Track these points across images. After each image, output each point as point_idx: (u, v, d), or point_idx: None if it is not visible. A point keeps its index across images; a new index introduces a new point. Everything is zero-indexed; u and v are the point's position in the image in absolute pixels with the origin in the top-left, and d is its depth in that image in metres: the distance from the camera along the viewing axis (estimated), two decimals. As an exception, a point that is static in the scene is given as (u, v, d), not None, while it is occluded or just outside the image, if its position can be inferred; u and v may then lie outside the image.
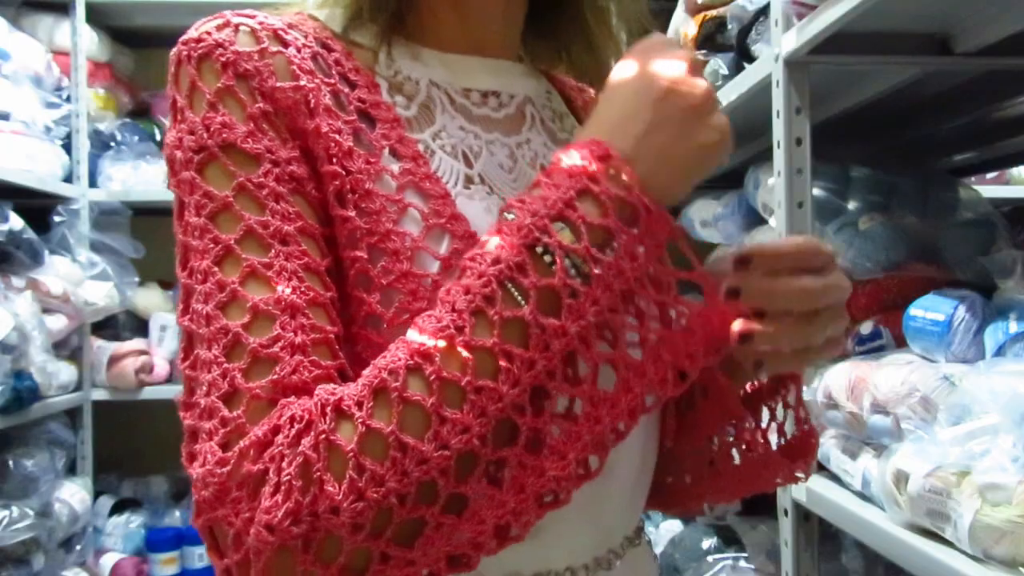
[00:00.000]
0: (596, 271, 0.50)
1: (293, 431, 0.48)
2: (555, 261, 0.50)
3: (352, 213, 0.56)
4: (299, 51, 0.59)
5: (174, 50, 0.59)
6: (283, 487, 0.46)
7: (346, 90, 0.60)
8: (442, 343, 0.48)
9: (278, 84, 0.57)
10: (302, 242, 0.54)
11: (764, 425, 0.69)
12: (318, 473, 0.46)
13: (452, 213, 0.59)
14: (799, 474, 0.69)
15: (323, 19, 0.64)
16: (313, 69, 0.59)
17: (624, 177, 0.52)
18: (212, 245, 0.53)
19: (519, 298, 0.49)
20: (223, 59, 0.56)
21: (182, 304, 0.55)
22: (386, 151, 0.59)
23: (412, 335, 0.50)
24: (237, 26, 0.58)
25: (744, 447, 0.69)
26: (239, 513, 0.47)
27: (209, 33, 0.58)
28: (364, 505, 0.46)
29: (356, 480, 0.46)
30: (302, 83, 0.58)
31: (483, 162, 0.65)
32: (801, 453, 0.68)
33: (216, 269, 0.53)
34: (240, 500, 0.48)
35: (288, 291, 0.52)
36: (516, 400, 0.48)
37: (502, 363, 0.48)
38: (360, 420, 0.47)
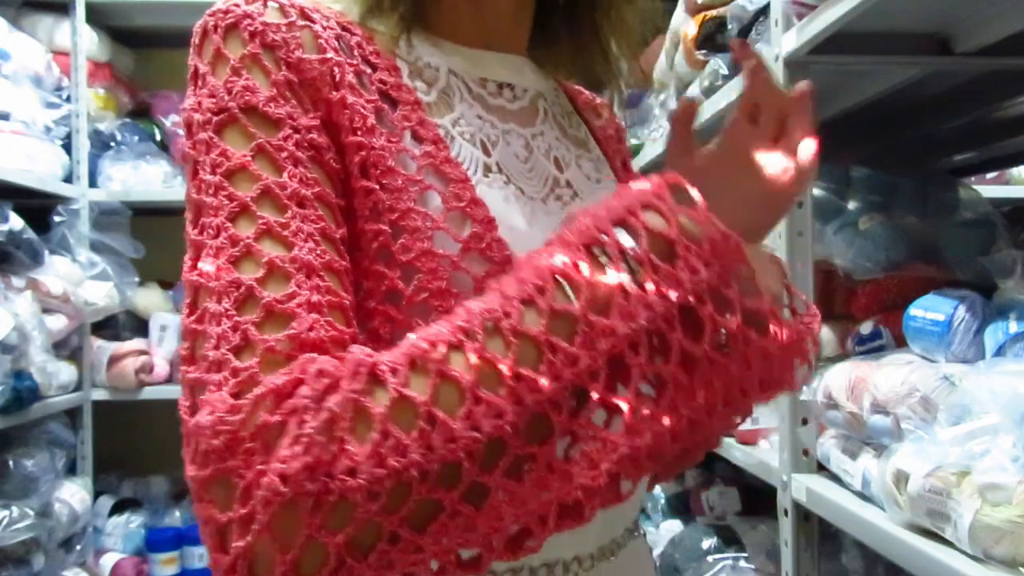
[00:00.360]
0: (652, 276, 0.49)
1: (320, 386, 0.46)
2: (611, 261, 0.49)
3: (376, 186, 0.56)
4: (324, 29, 0.60)
5: (200, 21, 0.58)
6: (303, 440, 0.44)
7: (368, 71, 0.60)
8: (489, 324, 0.48)
9: (304, 56, 0.57)
10: (319, 208, 0.53)
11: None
12: (341, 432, 0.45)
13: (472, 198, 0.59)
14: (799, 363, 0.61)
15: (341, 8, 0.65)
16: (338, 47, 0.59)
17: (693, 196, 0.52)
18: (227, 202, 0.52)
19: (571, 294, 0.48)
20: (251, 28, 0.56)
21: (190, 261, 0.53)
22: (407, 133, 0.59)
23: (459, 314, 0.49)
24: (265, 0, 0.58)
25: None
26: (251, 464, 0.45)
27: (238, 5, 0.57)
28: (383, 472, 0.44)
29: (379, 445, 0.44)
30: (328, 56, 0.58)
31: (500, 151, 0.65)
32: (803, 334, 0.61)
33: (230, 225, 0.51)
34: (254, 451, 0.45)
35: (304, 252, 0.51)
36: (555, 396, 0.47)
37: (546, 354, 0.47)
38: (394, 386, 0.46)
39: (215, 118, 0.54)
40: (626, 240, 0.50)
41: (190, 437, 0.48)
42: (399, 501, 0.45)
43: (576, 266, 0.49)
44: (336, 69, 0.58)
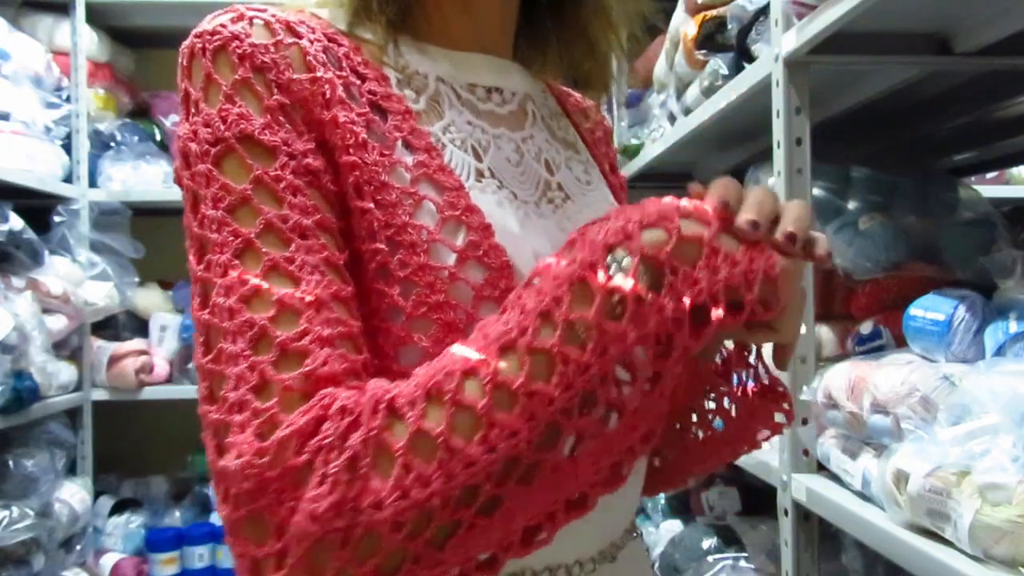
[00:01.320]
0: (670, 278, 0.50)
1: (343, 424, 0.48)
2: (630, 264, 0.50)
3: (371, 205, 0.57)
4: (311, 43, 0.60)
5: (187, 42, 0.58)
6: (329, 478, 0.46)
7: (356, 82, 0.61)
8: (505, 343, 0.49)
9: (294, 76, 0.57)
10: (321, 236, 0.54)
11: (736, 384, 0.68)
12: (364, 469, 0.46)
13: (467, 205, 0.59)
14: (779, 418, 0.68)
15: (327, 18, 0.65)
16: (326, 61, 0.60)
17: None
18: (231, 238, 0.53)
19: (586, 299, 0.49)
20: (239, 51, 0.56)
21: (199, 298, 0.54)
22: (399, 143, 0.60)
23: (476, 338, 0.51)
24: (251, 19, 0.58)
25: (723, 406, 0.69)
26: (283, 502, 0.47)
27: (224, 25, 0.57)
28: (407, 504, 0.46)
29: (402, 478, 0.46)
30: (318, 74, 0.58)
31: (492, 156, 0.65)
32: (775, 398, 0.67)
33: (237, 262, 0.52)
34: (283, 490, 0.47)
35: (312, 286, 0.52)
36: (566, 404, 0.48)
37: (558, 367, 0.48)
38: (411, 419, 0.47)
39: (212, 149, 0.54)
40: (648, 239, 0.51)
41: (220, 480, 0.50)
42: (423, 527, 0.47)
43: (594, 267, 0.50)
44: (327, 87, 0.58)
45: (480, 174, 0.63)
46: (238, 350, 0.51)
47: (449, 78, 0.66)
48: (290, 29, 0.59)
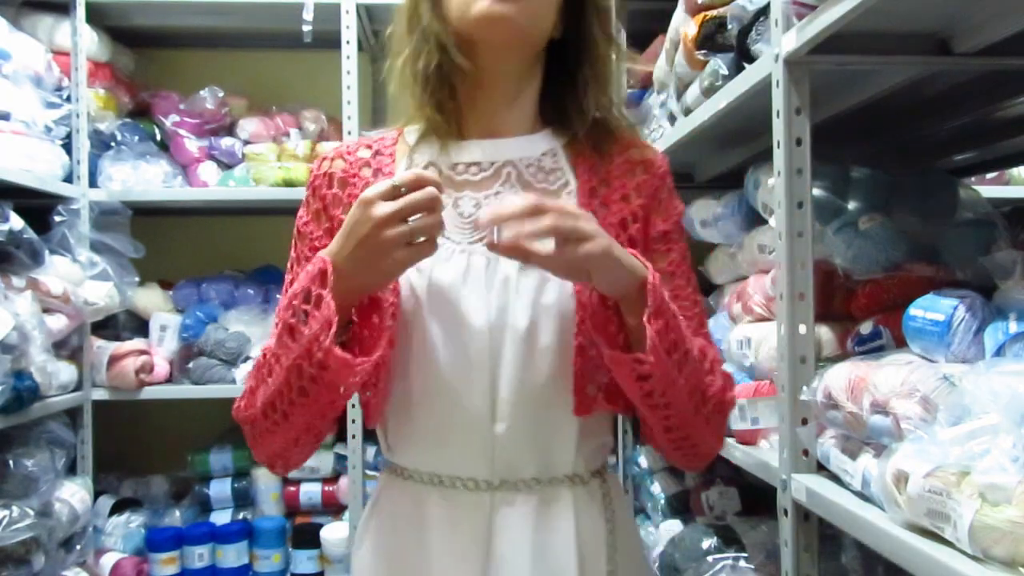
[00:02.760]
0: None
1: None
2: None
3: None
4: (351, 164, 1.06)
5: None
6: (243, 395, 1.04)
7: (372, 180, 1.04)
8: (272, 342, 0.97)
9: (326, 191, 1.06)
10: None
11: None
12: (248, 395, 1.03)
13: None
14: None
15: (407, 132, 1.08)
16: (357, 172, 1.06)
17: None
18: (288, 275, 1.07)
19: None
20: (313, 180, 1.08)
21: (289, 275, 1.07)
22: None
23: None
24: (322, 159, 1.09)
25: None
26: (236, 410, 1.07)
27: (320, 163, 1.09)
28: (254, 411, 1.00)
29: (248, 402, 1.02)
30: (336, 190, 1.05)
31: (445, 214, 0.90)
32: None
33: (289, 277, 1.07)
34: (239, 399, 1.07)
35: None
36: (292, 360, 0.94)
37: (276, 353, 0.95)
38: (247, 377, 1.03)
39: (295, 229, 1.08)
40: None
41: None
42: (265, 417, 0.98)
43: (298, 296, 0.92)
44: (350, 199, 1.01)
45: None
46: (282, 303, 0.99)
47: (439, 161, 1.03)
48: (342, 156, 1.07)
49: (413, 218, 0.85)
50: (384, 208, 0.85)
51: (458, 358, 0.97)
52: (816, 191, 1.35)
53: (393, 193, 0.86)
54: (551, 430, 0.99)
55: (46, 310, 2.18)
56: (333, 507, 2.68)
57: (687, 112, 1.77)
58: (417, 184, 0.86)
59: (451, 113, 1.00)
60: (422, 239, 0.86)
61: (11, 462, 2.07)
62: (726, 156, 2.15)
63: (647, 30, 2.24)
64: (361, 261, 0.88)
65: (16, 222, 2.07)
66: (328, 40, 2.55)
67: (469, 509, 0.99)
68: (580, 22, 1.02)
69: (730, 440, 1.47)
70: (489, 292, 0.97)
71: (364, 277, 0.90)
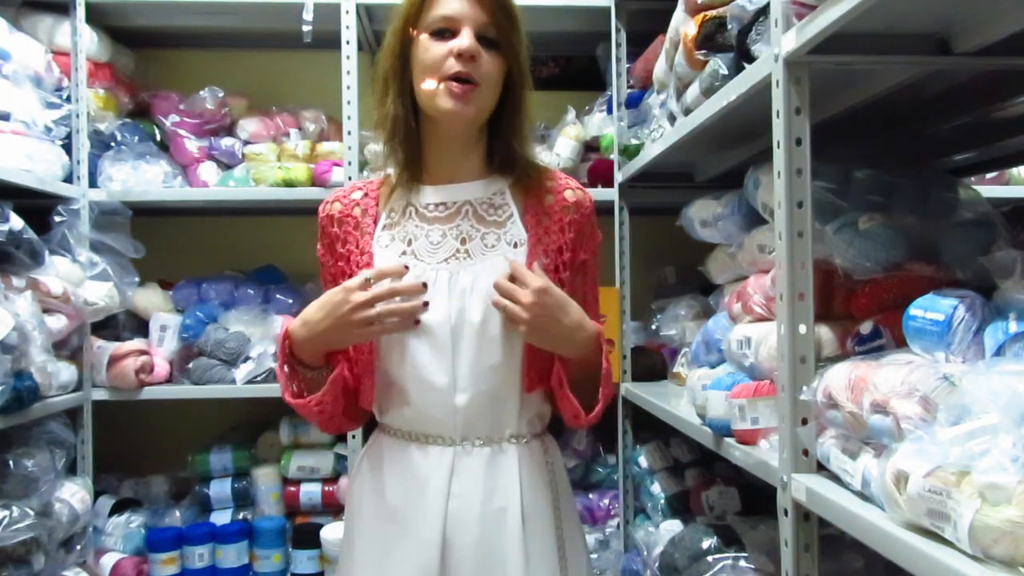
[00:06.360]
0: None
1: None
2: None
3: (347, 271, 1.39)
4: (346, 206, 1.39)
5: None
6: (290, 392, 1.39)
7: (360, 218, 1.38)
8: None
9: (329, 229, 1.39)
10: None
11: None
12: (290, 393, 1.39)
13: (369, 263, 1.35)
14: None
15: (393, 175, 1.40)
16: (350, 212, 1.38)
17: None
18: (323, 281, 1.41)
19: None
20: (320, 220, 1.41)
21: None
22: (356, 252, 1.38)
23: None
24: (326, 202, 1.41)
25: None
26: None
27: (323, 206, 1.42)
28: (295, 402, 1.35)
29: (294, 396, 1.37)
30: (336, 228, 1.39)
31: (419, 242, 1.34)
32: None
33: (323, 284, 1.39)
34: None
35: None
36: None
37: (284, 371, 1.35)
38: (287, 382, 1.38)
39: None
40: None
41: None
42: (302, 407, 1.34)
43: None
44: (345, 231, 1.38)
45: (404, 252, 1.33)
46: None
47: (415, 202, 1.36)
48: (339, 200, 1.40)
49: (380, 304, 1.25)
50: (356, 296, 1.24)
51: (428, 348, 1.29)
52: (816, 191, 1.35)
53: (364, 285, 1.24)
54: (500, 402, 1.32)
55: (46, 310, 2.18)
56: (333, 507, 2.67)
57: (687, 112, 1.77)
58: (381, 276, 1.26)
59: (419, 164, 1.35)
60: (393, 319, 1.26)
61: (11, 462, 2.07)
62: (726, 156, 2.15)
63: (647, 30, 2.24)
64: (336, 331, 1.26)
65: (16, 222, 2.07)
66: (328, 40, 2.55)
67: (437, 457, 1.31)
68: (510, 90, 1.32)
69: (730, 440, 1.47)
70: (451, 299, 1.29)
71: (339, 343, 1.31)
